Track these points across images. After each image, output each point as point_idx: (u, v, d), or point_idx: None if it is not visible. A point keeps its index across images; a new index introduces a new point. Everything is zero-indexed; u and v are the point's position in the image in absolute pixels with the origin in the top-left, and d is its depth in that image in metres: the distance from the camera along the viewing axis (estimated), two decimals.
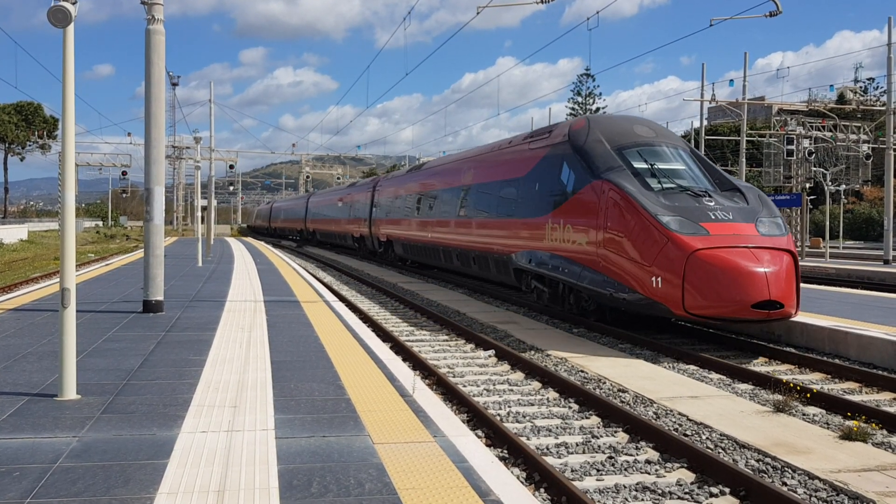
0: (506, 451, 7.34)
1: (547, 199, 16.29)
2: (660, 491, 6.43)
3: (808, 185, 41.32)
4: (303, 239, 62.74)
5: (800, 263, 13.07)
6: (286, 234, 74.08)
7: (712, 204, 13.12)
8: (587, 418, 8.72)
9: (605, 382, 10.27)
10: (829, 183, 43.08)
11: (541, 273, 16.60)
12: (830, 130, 42.60)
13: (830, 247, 44.36)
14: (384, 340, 12.73)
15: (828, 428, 8.22)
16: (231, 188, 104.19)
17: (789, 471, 6.78)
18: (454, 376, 10.90)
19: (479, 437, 7.60)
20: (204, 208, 32.99)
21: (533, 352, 12.59)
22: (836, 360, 11.62)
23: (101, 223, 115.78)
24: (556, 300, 16.37)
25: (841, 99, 59.37)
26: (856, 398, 9.63)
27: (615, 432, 8.13)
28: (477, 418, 8.41)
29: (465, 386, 10.24)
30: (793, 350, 12.50)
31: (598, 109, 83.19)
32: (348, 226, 42.94)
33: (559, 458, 7.29)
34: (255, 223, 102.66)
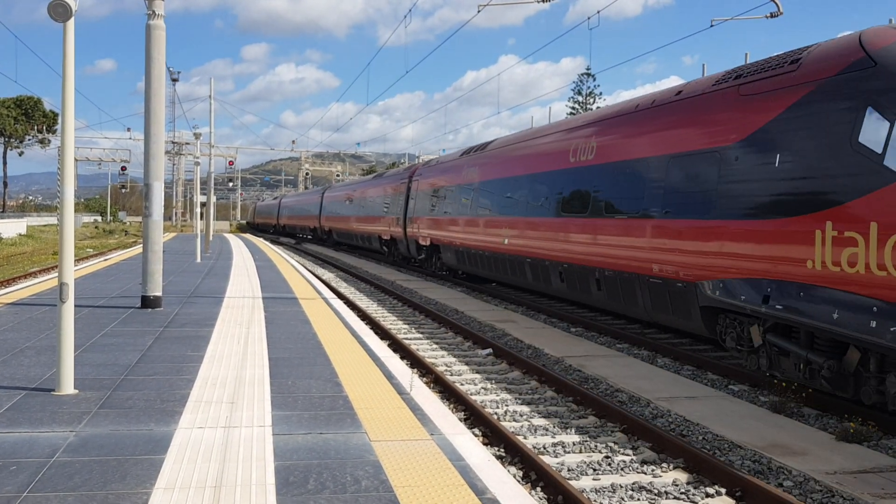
0: (503, 450, 7.35)
1: (808, 185, 9.11)
2: (656, 491, 6.44)
3: None
4: (316, 238, 55.93)
5: None
6: (296, 232, 66.58)
7: None
8: (584, 418, 8.73)
9: (602, 382, 10.28)
10: None
11: (792, 321, 9.24)
12: None
13: None
14: (382, 338, 12.74)
15: (825, 430, 8.24)
16: (230, 184, 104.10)
17: (785, 472, 6.80)
18: (452, 374, 10.92)
19: (476, 435, 7.61)
20: (203, 204, 32.96)
21: (531, 351, 12.60)
22: None
23: (99, 218, 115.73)
24: (839, 380, 8.78)
25: None
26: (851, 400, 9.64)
27: (612, 432, 8.15)
28: (474, 416, 8.42)
29: (462, 384, 10.25)
30: None
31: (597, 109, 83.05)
32: (375, 225, 35.49)
33: (556, 457, 7.31)
34: (259, 220, 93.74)
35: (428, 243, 26.57)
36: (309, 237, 59.97)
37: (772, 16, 15.03)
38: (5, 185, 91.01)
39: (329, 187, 56.09)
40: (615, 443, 7.76)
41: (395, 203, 31.58)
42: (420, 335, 14.47)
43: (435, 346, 13.36)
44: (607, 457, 7.29)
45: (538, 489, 6.39)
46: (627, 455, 7.38)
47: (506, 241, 18.83)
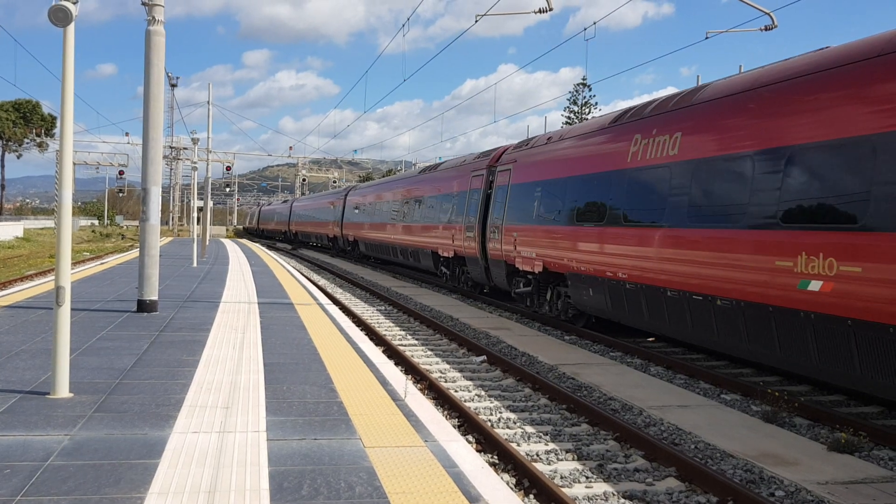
0: (496, 457, 7.38)
1: None
2: (648, 499, 6.47)
3: None
4: (338, 250, 46.88)
5: None
6: (311, 241, 57.95)
7: None
8: (577, 425, 8.76)
9: (595, 390, 10.31)
10: None
11: None
12: None
13: None
14: (377, 344, 12.76)
15: (816, 440, 8.28)
16: (227, 189, 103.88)
17: (777, 482, 6.83)
18: (446, 381, 10.94)
19: (469, 442, 7.64)
20: (200, 209, 32.97)
21: (525, 358, 12.63)
22: None
23: (97, 222, 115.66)
24: None
25: None
26: (843, 410, 9.69)
27: (605, 440, 8.18)
28: (468, 423, 8.44)
29: (456, 391, 10.27)
30: None
31: (593, 118, 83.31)
32: (427, 236, 26.01)
33: (549, 464, 7.33)
34: (265, 225, 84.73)
35: (538, 269, 16.56)
36: (328, 246, 50.27)
37: (766, 28, 15.14)
38: (3, 187, 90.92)
39: (354, 187, 46.02)
40: (608, 451, 7.79)
41: (462, 206, 22.37)
42: (415, 342, 14.49)
43: (430, 352, 13.39)
44: (600, 465, 7.32)
45: (531, 496, 6.41)
46: (620, 463, 7.41)
47: (815, 286, 8.80)
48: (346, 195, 43.82)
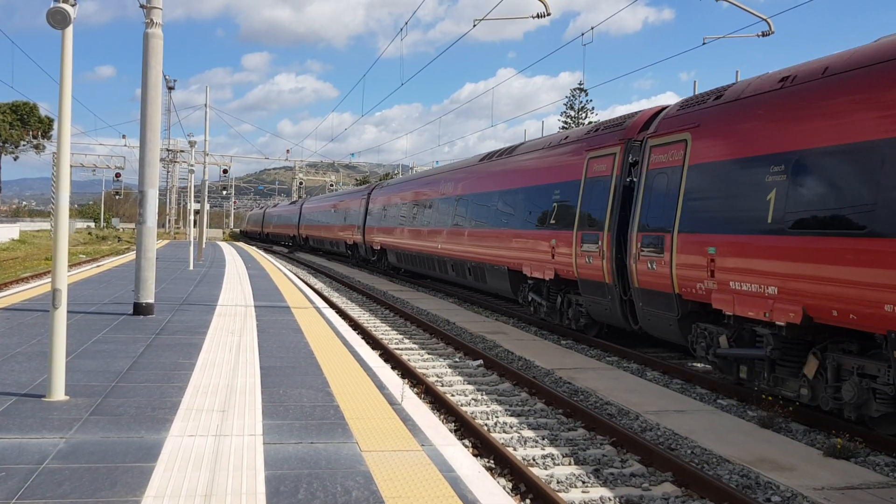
0: (492, 461, 7.38)
1: None
2: None
3: None
4: (358, 259, 38.86)
5: None
6: (325, 247, 49.37)
7: None
8: (574, 430, 8.76)
9: (592, 395, 10.31)
10: None
11: None
12: None
13: None
14: (374, 348, 12.75)
15: (812, 445, 8.28)
16: (224, 192, 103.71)
17: (773, 487, 6.84)
18: (443, 385, 10.94)
19: (466, 446, 7.63)
20: (197, 212, 32.91)
21: (521, 362, 12.63)
22: None
23: (93, 224, 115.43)
24: None
25: None
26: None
27: (601, 444, 8.18)
28: (465, 428, 8.44)
29: (453, 395, 10.27)
30: None
31: (590, 123, 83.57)
32: (495, 247, 19.16)
33: (545, 469, 7.33)
34: (270, 229, 77.40)
35: (783, 318, 9.05)
36: (345, 254, 42.60)
37: (763, 35, 15.20)
38: None
39: (380, 183, 39.08)
40: (604, 455, 7.79)
41: (570, 203, 15.13)
42: (411, 345, 14.48)
43: (426, 356, 13.38)
44: (596, 469, 7.32)
45: (528, 501, 6.41)
46: (617, 468, 7.41)
47: None
48: (369, 193, 36.31)
